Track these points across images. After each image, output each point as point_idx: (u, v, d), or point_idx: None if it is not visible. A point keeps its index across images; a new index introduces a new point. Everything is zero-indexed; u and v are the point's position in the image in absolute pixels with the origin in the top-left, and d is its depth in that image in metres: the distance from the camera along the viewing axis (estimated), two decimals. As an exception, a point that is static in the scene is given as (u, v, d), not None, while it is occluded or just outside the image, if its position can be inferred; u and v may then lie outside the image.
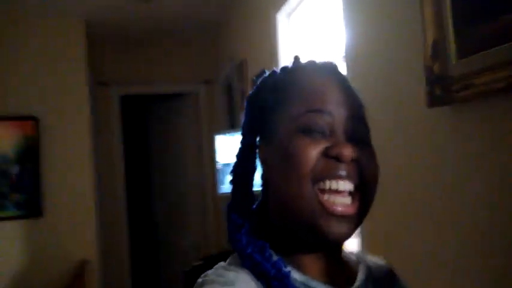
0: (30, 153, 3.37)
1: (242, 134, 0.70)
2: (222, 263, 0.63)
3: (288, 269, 0.58)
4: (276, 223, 0.63)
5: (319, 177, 0.57)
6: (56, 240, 3.36)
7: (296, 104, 0.61)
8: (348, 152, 0.57)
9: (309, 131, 0.59)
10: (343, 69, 0.68)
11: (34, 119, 3.39)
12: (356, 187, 0.58)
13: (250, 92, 0.71)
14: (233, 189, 0.69)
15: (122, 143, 4.25)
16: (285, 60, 2.50)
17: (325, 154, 0.57)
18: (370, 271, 0.68)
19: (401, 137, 1.32)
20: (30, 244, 3.35)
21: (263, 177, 0.67)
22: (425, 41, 1.16)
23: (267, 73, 0.70)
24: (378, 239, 1.45)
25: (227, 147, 2.68)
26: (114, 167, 4.18)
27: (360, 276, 0.65)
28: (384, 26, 1.43)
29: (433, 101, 1.14)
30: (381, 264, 0.73)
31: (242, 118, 0.70)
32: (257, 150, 0.67)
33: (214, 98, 4.26)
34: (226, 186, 2.65)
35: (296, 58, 0.68)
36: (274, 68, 0.69)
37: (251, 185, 0.69)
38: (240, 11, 3.35)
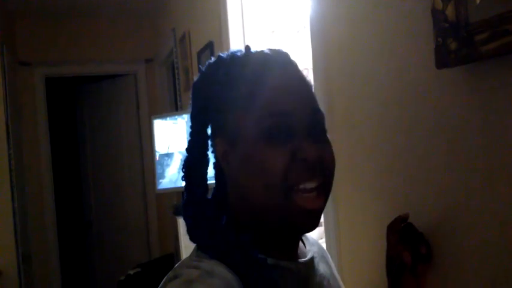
0: None
1: (192, 125, 0.69)
2: (186, 259, 0.65)
3: (261, 255, 0.60)
4: (240, 216, 0.66)
5: (289, 182, 0.60)
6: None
7: (256, 104, 0.61)
8: (313, 153, 0.60)
9: (273, 136, 0.60)
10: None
11: None
12: (320, 182, 0.62)
13: (195, 78, 0.69)
14: (187, 184, 0.68)
15: (48, 131, 3.70)
16: (234, 32, 2.10)
17: (292, 157, 0.60)
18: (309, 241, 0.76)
19: (400, 113, 0.97)
20: None
21: (218, 168, 0.69)
22: (433, -27, 0.81)
23: (213, 60, 0.69)
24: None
25: (169, 134, 2.26)
26: (39, 160, 3.63)
27: (308, 247, 0.74)
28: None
29: (446, 59, 0.80)
30: (311, 237, 0.79)
31: (189, 107, 0.69)
32: (210, 143, 0.68)
33: (156, 78, 3.80)
34: (166, 181, 2.24)
35: (247, 48, 0.67)
36: (220, 54, 0.68)
37: (205, 178, 0.68)
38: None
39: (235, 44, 2.10)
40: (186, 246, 2.09)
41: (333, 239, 1.22)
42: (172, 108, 3.62)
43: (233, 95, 0.64)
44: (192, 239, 0.66)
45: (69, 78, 4.22)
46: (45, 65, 3.70)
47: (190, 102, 0.70)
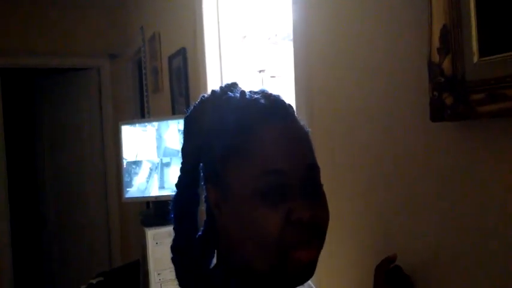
0: None
1: (182, 162, 0.68)
2: None
3: None
4: (230, 263, 0.64)
5: (284, 244, 0.57)
6: None
7: (249, 160, 0.59)
8: (308, 214, 0.57)
9: (267, 195, 0.57)
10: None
11: None
12: (313, 237, 0.60)
13: (188, 113, 0.68)
14: (176, 223, 0.67)
15: (2, 127, 3.48)
16: (209, 41, 2.04)
17: (287, 218, 0.57)
18: None
19: (392, 162, 0.97)
20: None
21: (209, 208, 0.67)
22: (431, 26, 0.81)
23: (206, 96, 0.67)
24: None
25: (137, 141, 2.18)
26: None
27: None
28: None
29: (441, 113, 0.80)
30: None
31: (181, 140, 0.68)
32: (203, 182, 0.67)
33: (121, 75, 3.67)
34: (134, 189, 2.17)
35: (242, 93, 0.64)
36: (214, 89, 0.67)
37: (195, 217, 0.67)
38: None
39: (210, 52, 2.05)
40: (155, 258, 2.04)
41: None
42: (138, 106, 3.52)
43: (226, 145, 0.61)
44: (180, 285, 0.66)
45: (28, 70, 3.99)
46: (0, 55, 3.47)
47: (183, 134, 0.68)
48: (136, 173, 2.17)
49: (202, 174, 0.67)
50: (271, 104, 0.63)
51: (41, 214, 4.04)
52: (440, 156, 0.84)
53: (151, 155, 2.15)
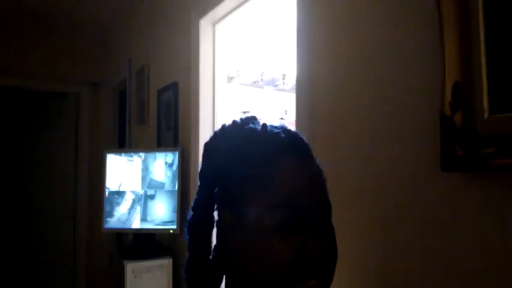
0: None
1: (200, 185, 0.69)
2: None
3: None
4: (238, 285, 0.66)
5: (293, 277, 0.58)
6: None
7: (268, 190, 0.61)
8: (319, 249, 0.59)
9: (283, 227, 0.59)
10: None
11: None
12: (321, 279, 0.60)
13: (208, 139, 0.70)
14: (191, 245, 0.68)
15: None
16: (204, 75, 2.08)
17: (299, 251, 0.58)
18: None
19: (402, 210, 1.00)
20: None
21: (221, 231, 0.68)
22: (444, 82, 0.87)
23: (228, 125, 0.70)
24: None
25: (121, 171, 2.14)
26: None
27: None
28: (375, 48, 1.13)
29: (452, 163, 0.85)
30: None
31: (200, 164, 0.70)
32: (216, 206, 0.68)
33: (101, 104, 3.63)
34: (115, 220, 2.11)
35: (264, 126, 0.67)
36: (236, 120, 0.69)
37: (210, 239, 0.68)
38: (145, 9, 2.84)
39: (204, 89, 2.08)
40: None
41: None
42: (117, 136, 3.47)
43: (245, 173, 0.63)
44: None
45: (10, 90, 3.88)
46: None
47: (202, 158, 0.69)
48: (118, 204, 2.12)
49: (217, 199, 0.68)
50: (291, 139, 0.66)
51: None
52: (446, 203, 0.88)
53: (135, 186, 2.11)
